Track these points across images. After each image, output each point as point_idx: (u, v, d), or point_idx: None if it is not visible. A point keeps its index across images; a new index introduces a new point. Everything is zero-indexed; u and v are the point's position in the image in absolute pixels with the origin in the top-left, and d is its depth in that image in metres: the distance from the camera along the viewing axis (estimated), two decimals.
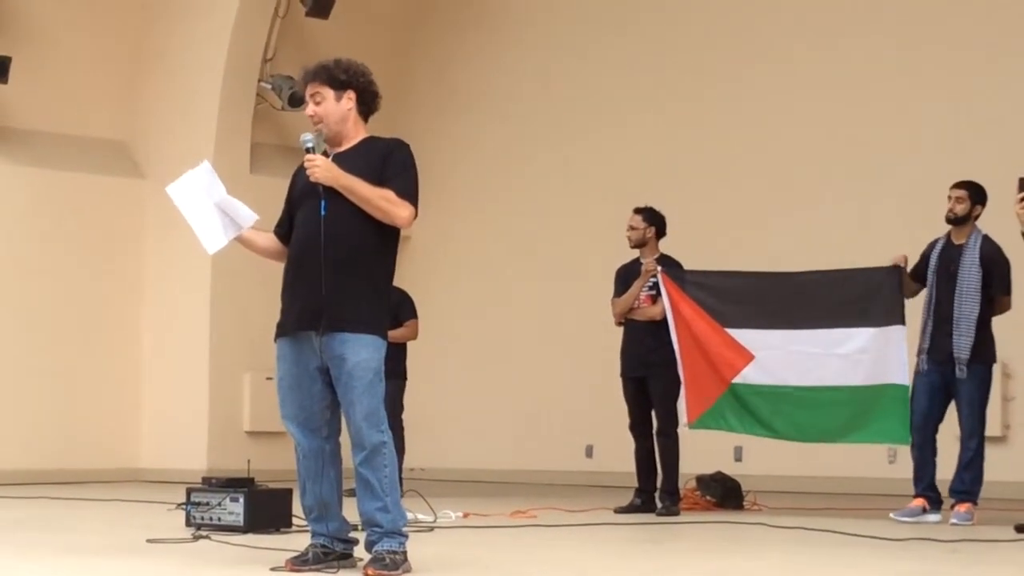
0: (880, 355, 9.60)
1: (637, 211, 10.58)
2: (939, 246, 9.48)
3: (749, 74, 13.80)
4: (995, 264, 9.30)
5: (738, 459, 12.75)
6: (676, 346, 10.15)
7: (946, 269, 9.35)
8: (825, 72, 13.34)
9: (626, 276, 10.53)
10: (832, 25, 13.40)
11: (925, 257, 9.54)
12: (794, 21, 13.61)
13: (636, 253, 10.59)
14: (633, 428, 10.46)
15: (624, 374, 10.48)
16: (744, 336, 10.04)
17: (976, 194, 9.40)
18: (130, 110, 15.17)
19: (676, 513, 10.11)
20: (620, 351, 10.54)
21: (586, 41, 15.06)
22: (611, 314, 10.57)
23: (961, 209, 9.37)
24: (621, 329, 10.60)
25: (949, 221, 9.43)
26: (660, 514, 10.04)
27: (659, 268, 10.25)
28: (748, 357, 9.96)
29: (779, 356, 9.94)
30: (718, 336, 10.08)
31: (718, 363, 10.08)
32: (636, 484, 10.44)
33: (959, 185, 9.45)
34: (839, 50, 13.30)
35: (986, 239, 9.33)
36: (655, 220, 10.52)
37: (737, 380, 10.01)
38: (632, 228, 10.51)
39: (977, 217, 9.41)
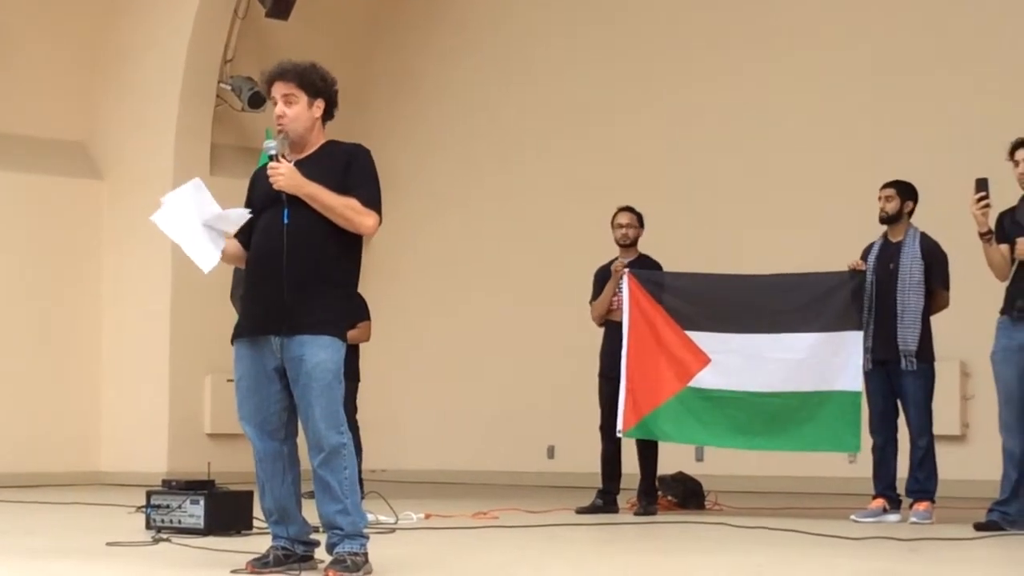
0: (831, 360, 9.54)
1: (628, 210, 10.52)
2: (876, 247, 9.58)
3: (725, 76, 13.75)
4: (935, 257, 9.42)
5: (699, 459, 12.76)
6: (624, 351, 10.09)
7: (886, 267, 9.43)
8: (803, 73, 13.38)
9: (605, 277, 10.49)
10: (807, 26, 13.43)
11: (863, 260, 9.60)
12: (770, 24, 13.59)
13: (615, 254, 10.49)
14: (604, 429, 10.41)
15: (604, 374, 10.43)
16: (702, 339, 9.99)
17: (904, 191, 9.54)
18: (88, 111, 15.10)
19: (654, 512, 10.12)
20: (600, 351, 10.50)
21: (550, 42, 15.07)
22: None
23: (892, 207, 9.50)
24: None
25: (883, 221, 9.54)
26: (638, 513, 10.04)
27: (627, 269, 10.22)
28: (704, 360, 9.89)
29: (735, 360, 9.87)
30: (677, 339, 10.03)
31: (673, 366, 10.02)
32: (598, 485, 10.44)
33: (887, 185, 9.59)
34: (818, 50, 13.33)
35: (924, 235, 9.46)
36: (642, 220, 10.53)
37: (691, 384, 9.96)
38: (629, 226, 10.44)
39: (911, 213, 9.52)
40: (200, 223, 6.09)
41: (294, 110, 6.11)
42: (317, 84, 6.13)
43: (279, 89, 6.12)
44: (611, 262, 10.50)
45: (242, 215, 6.13)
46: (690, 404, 9.95)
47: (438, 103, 15.86)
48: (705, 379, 9.91)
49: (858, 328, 9.45)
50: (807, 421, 9.68)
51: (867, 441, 9.61)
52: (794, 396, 9.70)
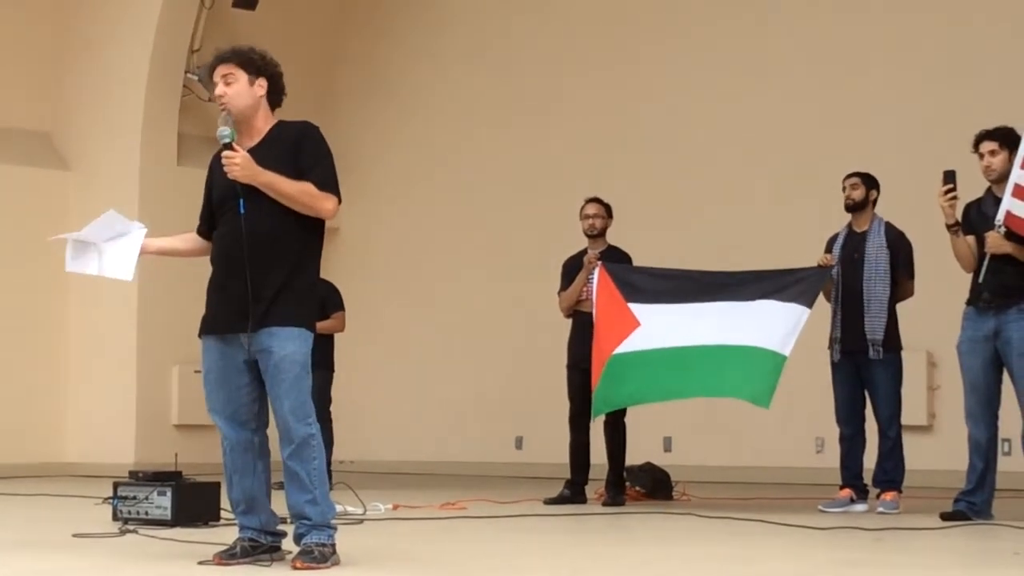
0: (765, 321, 9.36)
1: (596, 201, 10.49)
2: (841, 237, 9.61)
3: (690, 65, 13.80)
4: (900, 247, 9.48)
5: (667, 450, 12.80)
6: (595, 342, 10.01)
7: (851, 257, 9.47)
8: (767, 64, 13.41)
9: (574, 268, 10.46)
10: (772, 16, 13.45)
11: (828, 251, 9.61)
12: (735, 14, 13.60)
13: (582, 245, 10.45)
14: (573, 420, 10.40)
15: (572, 365, 10.39)
16: (639, 308, 9.81)
17: (868, 180, 9.60)
18: (55, 101, 15.04)
19: (622, 503, 10.13)
20: (567, 342, 10.47)
21: (517, 31, 15.08)
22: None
23: (858, 195, 9.57)
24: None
25: (849, 209, 9.60)
26: (606, 504, 10.04)
27: (599, 262, 10.16)
28: (633, 324, 9.74)
29: (664, 323, 9.65)
30: (617, 312, 9.86)
31: (603, 341, 9.82)
32: (566, 475, 10.44)
33: (851, 175, 9.64)
34: (783, 39, 13.36)
35: (889, 224, 9.52)
36: (610, 210, 10.51)
37: (617, 351, 9.79)
38: (596, 216, 10.43)
39: (875, 203, 9.58)
40: (103, 244, 6.18)
41: (233, 88, 6.11)
42: (256, 62, 6.14)
43: (218, 73, 6.16)
44: (580, 253, 10.48)
45: (138, 226, 6.29)
46: (617, 372, 9.76)
47: (404, 89, 15.84)
48: (633, 343, 9.69)
49: (808, 306, 9.38)
50: (723, 368, 9.46)
51: (835, 431, 9.63)
52: (713, 348, 9.50)
